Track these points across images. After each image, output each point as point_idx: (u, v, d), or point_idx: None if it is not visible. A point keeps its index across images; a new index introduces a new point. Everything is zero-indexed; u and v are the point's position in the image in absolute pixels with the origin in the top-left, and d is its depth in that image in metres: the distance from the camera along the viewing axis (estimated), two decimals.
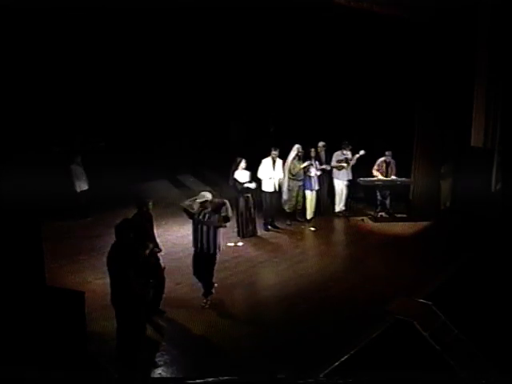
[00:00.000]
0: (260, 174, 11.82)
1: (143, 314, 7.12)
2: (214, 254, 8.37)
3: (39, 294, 6.67)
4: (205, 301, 8.38)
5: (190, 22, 12.75)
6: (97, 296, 7.82)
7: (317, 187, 12.63)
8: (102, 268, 8.57)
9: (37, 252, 7.01)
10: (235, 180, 11.36)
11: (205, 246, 8.26)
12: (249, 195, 11.51)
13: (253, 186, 11.42)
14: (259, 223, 12.02)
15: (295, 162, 12.12)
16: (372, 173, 12.88)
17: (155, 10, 11.59)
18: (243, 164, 11.35)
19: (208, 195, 8.36)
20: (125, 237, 6.82)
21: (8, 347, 6.05)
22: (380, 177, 12.78)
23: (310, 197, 12.65)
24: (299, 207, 12.53)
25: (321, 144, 12.94)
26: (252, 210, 11.62)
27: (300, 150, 12.12)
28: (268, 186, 11.88)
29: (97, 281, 8.74)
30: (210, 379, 5.86)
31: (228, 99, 15.58)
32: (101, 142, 13.09)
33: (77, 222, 12.22)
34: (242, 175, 11.35)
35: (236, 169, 11.35)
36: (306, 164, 12.15)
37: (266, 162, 11.81)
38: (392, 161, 12.83)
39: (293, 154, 12.13)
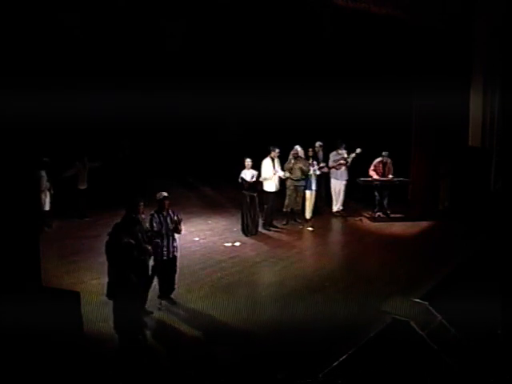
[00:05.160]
0: (262, 175, 11.83)
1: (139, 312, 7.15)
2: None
3: (35, 295, 6.65)
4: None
5: None
6: (93, 296, 7.78)
7: (315, 187, 12.64)
8: (98, 268, 8.62)
9: (33, 252, 7.00)
10: (242, 179, 11.48)
11: (171, 249, 8.20)
12: (254, 194, 11.59)
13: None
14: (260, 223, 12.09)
15: (292, 161, 12.16)
16: (369, 173, 12.90)
17: None
18: (250, 163, 11.50)
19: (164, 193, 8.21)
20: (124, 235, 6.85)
21: (5, 348, 6.03)
22: (375, 176, 12.78)
23: (309, 196, 12.67)
24: (298, 207, 12.53)
25: (317, 144, 12.97)
26: (257, 208, 11.72)
27: (296, 151, 12.17)
28: (270, 186, 11.90)
29: (93, 281, 8.70)
30: (208, 380, 5.88)
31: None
32: (96, 162, 13.05)
33: (75, 222, 12.24)
34: (248, 174, 11.50)
35: (244, 168, 11.52)
36: (297, 167, 12.18)
37: (266, 163, 11.82)
38: (389, 160, 12.83)
39: (291, 154, 12.24)
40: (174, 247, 8.20)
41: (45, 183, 11.55)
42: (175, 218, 8.16)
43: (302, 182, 12.38)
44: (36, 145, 7.66)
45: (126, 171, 13.50)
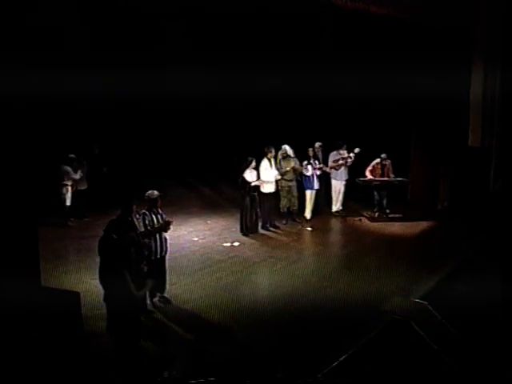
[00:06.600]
0: (261, 177, 11.78)
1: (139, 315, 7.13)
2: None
3: (35, 295, 6.63)
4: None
5: None
6: (93, 296, 7.76)
7: (316, 187, 12.65)
8: (97, 268, 8.58)
9: (32, 252, 6.99)
10: (243, 179, 11.42)
11: (163, 249, 8.22)
12: (255, 194, 11.59)
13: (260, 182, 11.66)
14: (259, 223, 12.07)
15: (282, 162, 12.15)
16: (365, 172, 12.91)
17: None
18: (253, 164, 11.50)
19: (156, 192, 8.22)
20: (123, 235, 6.82)
21: (4, 349, 6.03)
22: (370, 177, 12.79)
23: (310, 196, 12.67)
24: (294, 207, 12.53)
25: (317, 144, 12.94)
26: (258, 209, 11.74)
27: (285, 150, 12.16)
28: (268, 188, 11.88)
29: (92, 281, 8.61)
30: (207, 380, 5.87)
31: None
32: (104, 167, 13.17)
33: (73, 222, 12.23)
34: (250, 175, 11.47)
35: (246, 168, 11.44)
36: (287, 170, 12.15)
37: (264, 165, 11.81)
38: (388, 162, 12.82)
39: (279, 155, 12.22)
40: (165, 247, 8.22)
41: (69, 178, 11.93)
42: (165, 218, 8.17)
43: (295, 182, 12.39)
44: (39, 142, 7.70)
45: (123, 173, 13.52)
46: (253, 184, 11.47)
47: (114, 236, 6.80)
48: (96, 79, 12.29)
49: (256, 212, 11.72)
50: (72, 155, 12.12)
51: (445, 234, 11.74)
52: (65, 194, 11.91)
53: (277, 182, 12.06)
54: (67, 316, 6.81)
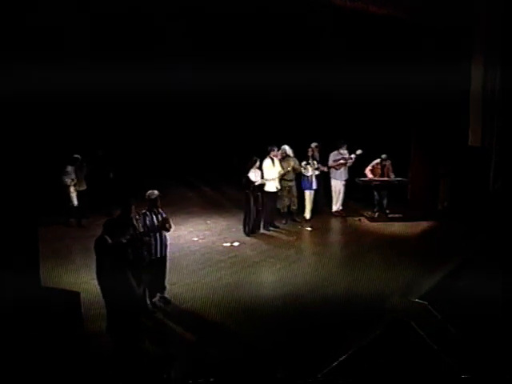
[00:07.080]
0: (265, 176, 11.79)
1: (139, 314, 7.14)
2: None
3: (34, 295, 6.63)
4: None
5: None
6: (93, 296, 7.77)
7: (315, 187, 12.65)
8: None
9: (32, 252, 6.99)
10: (248, 178, 11.42)
11: (163, 248, 8.22)
12: (259, 194, 11.60)
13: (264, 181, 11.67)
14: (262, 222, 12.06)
15: (282, 162, 12.15)
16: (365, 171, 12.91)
17: None
18: (258, 163, 11.52)
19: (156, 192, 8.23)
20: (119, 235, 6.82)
21: (4, 349, 6.03)
22: (370, 176, 12.79)
23: (309, 196, 12.68)
24: (294, 207, 12.54)
25: (313, 145, 12.92)
26: (260, 208, 11.74)
27: (284, 150, 12.17)
28: (271, 187, 11.89)
29: (92, 281, 8.61)
30: (207, 380, 5.87)
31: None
32: (110, 171, 13.16)
33: (74, 221, 12.23)
34: (255, 174, 11.48)
35: (251, 167, 11.44)
36: (288, 170, 12.16)
37: (267, 163, 11.81)
38: (388, 163, 12.81)
39: (278, 155, 12.20)
40: (165, 246, 8.22)
41: (70, 179, 11.90)
42: (164, 216, 8.19)
43: (294, 182, 12.41)
44: (42, 142, 7.69)
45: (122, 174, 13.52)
46: (257, 183, 11.49)
47: (107, 237, 6.82)
48: (95, 79, 12.28)
49: (259, 212, 11.73)
50: (76, 155, 12.13)
51: (445, 234, 11.74)
52: (73, 194, 11.90)
53: (279, 181, 12.06)
54: (67, 316, 6.82)
